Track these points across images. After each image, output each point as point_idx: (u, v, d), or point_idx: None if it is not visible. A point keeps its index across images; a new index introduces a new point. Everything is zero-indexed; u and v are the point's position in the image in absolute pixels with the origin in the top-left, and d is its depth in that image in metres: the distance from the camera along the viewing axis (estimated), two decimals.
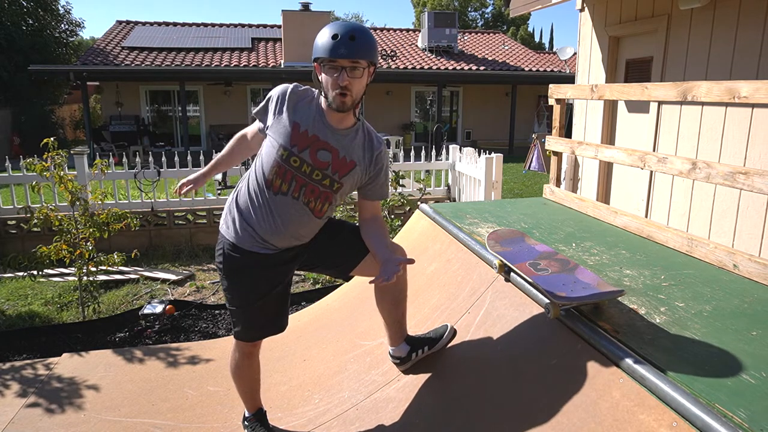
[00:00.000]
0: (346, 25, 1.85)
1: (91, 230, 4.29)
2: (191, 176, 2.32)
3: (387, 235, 2.16)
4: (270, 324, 2.19)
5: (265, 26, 19.97)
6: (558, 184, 4.10)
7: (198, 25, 19.52)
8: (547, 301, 1.99)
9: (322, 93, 1.95)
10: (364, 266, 2.21)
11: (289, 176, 1.96)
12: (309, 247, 2.15)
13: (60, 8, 20.29)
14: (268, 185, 1.98)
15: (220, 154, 2.32)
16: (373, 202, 2.16)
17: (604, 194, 5.19)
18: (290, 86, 2.01)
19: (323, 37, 1.85)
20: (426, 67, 16.72)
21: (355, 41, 1.82)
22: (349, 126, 2.01)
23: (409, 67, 16.61)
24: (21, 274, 5.24)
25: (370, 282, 1.97)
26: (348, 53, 1.81)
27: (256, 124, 2.11)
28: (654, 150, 4.32)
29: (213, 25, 19.66)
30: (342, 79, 1.84)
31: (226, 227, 2.08)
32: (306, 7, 16.39)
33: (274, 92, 2.01)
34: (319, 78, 1.93)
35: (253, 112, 2.07)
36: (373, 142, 2.07)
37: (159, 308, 4.19)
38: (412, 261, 2.01)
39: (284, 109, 1.97)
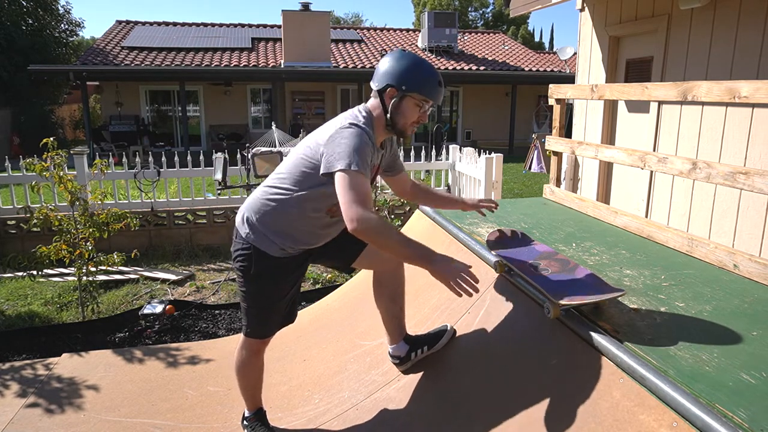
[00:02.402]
0: (436, 70, 2.01)
1: (90, 230, 4.28)
2: (451, 261, 1.77)
3: (438, 191, 2.41)
4: (283, 320, 2.25)
5: (265, 26, 19.98)
6: (558, 184, 4.10)
7: (198, 25, 19.53)
8: (547, 301, 1.99)
9: (390, 117, 1.98)
10: (365, 257, 2.28)
11: None
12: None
13: (60, 8, 20.28)
14: (331, 213, 2.06)
15: (399, 237, 1.82)
16: (402, 174, 2.37)
17: (604, 194, 5.19)
18: (365, 133, 1.90)
19: (429, 79, 1.97)
20: None
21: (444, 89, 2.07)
22: (384, 139, 2.14)
23: None
24: (21, 274, 5.23)
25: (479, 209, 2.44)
26: (440, 99, 2.03)
27: (366, 181, 1.85)
28: (654, 150, 4.32)
29: (213, 25, 19.66)
30: (425, 117, 2.03)
31: (259, 239, 2.04)
32: (306, 7, 16.38)
33: (365, 147, 1.86)
34: (393, 102, 1.97)
35: (358, 170, 1.80)
36: (391, 138, 2.22)
37: (159, 308, 4.18)
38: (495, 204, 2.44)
39: (371, 155, 1.95)
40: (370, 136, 1.91)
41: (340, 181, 1.79)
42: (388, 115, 1.98)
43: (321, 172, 1.89)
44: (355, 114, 1.99)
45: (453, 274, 1.72)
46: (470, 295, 1.72)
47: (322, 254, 2.30)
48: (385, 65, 1.99)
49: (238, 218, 2.13)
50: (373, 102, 2.02)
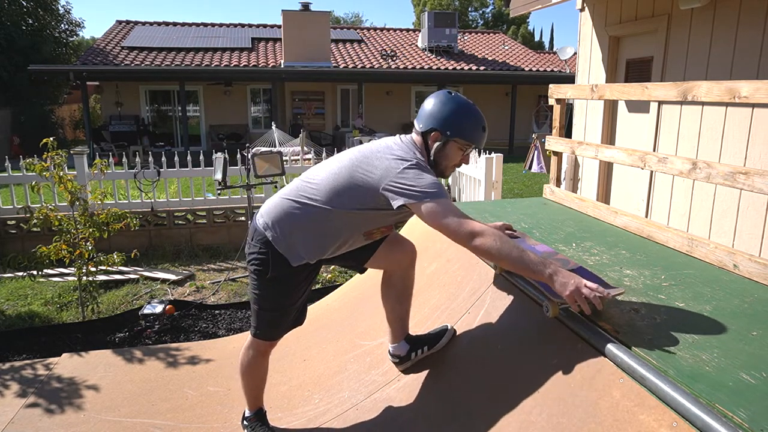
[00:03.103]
0: (481, 115, 2.05)
1: (90, 230, 4.28)
2: (575, 278, 1.76)
3: None
4: (292, 322, 2.26)
5: (265, 26, 19.98)
6: (558, 184, 4.10)
7: (198, 25, 19.53)
8: (546, 300, 1.98)
9: (435, 160, 2.02)
10: (377, 257, 2.30)
11: (386, 231, 2.18)
12: None
13: (60, 8, 20.28)
14: (366, 235, 2.10)
15: (519, 253, 1.78)
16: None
17: (604, 194, 5.19)
18: (424, 165, 1.95)
19: (474, 126, 2.02)
20: (426, 67, 16.72)
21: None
22: None
23: (409, 67, 16.61)
24: (21, 274, 5.23)
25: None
26: (483, 143, 2.08)
27: (450, 201, 1.93)
28: (654, 150, 4.32)
29: (213, 25, 19.66)
30: (468, 159, 2.08)
31: (286, 248, 2.01)
32: (306, 7, 16.39)
33: (433, 176, 1.94)
34: (437, 144, 2.00)
35: (441, 197, 1.86)
36: None
37: (159, 308, 4.18)
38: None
39: None
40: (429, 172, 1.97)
41: (433, 209, 1.83)
42: (432, 157, 2.02)
43: (398, 202, 1.87)
44: (408, 149, 1.99)
45: (576, 290, 1.73)
46: (588, 312, 1.75)
47: (337, 256, 2.29)
48: (430, 106, 2.02)
49: (260, 221, 2.05)
50: (416, 138, 2.06)
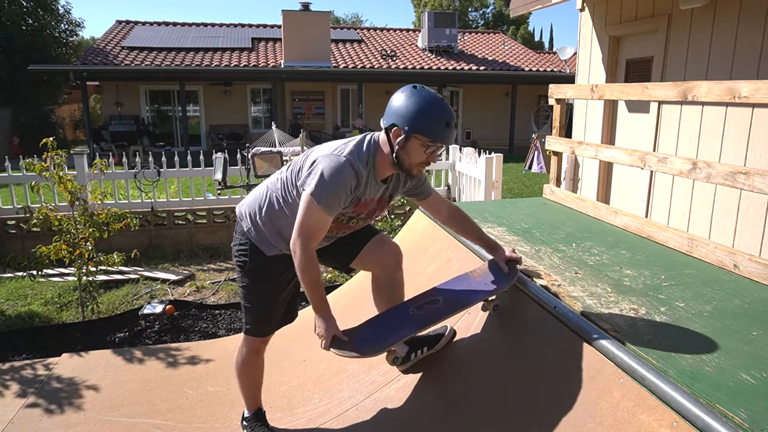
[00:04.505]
0: (447, 110, 1.91)
1: (90, 230, 4.28)
2: (328, 329, 1.96)
3: (477, 230, 2.33)
4: (282, 318, 2.26)
5: (265, 26, 19.97)
6: (558, 184, 4.10)
7: (198, 25, 19.52)
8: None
9: (396, 156, 1.93)
10: (362, 258, 2.30)
11: (344, 228, 2.13)
12: None
13: (60, 8, 20.26)
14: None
15: (312, 283, 1.94)
16: (432, 197, 2.29)
17: (604, 194, 5.19)
18: (353, 169, 1.91)
19: (435, 121, 1.87)
20: (426, 67, 16.71)
21: (454, 130, 1.99)
22: (393, 173, 2.07)
23: (409, 67, 16.60)
24: (21, 274, 5.23)
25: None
26: (450, 141, 1.95)
27: (329, 220, 1.93)
28: (654, 150, 4.32)
29: (213, 25, 19.65)
30: (434, 157, 1.96)
31: (258, 237, 2.08)
32: (306, 7, 16.38)
33: (343, 184, 1.89)
34: (399, 143, 1.90)
35: (322, 205, 1.86)
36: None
37: (159, 308, 4.18)
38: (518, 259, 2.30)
39: (353, 193, 1.95)
40: (357, 171, 1.91)
41: (305, 204, 1.89)
42: (394, 155, 1.93)
43: (298, 183, 1.97)
44: (356, 144, 1.97)
45: (321, 331, 1.96)
46: (324, 348, 1.96)
47: (320, 255, 2.31)
48: (393, 101, 1.93)
49: (238, 212, 2.18)
50: (382, 137, 1.98)
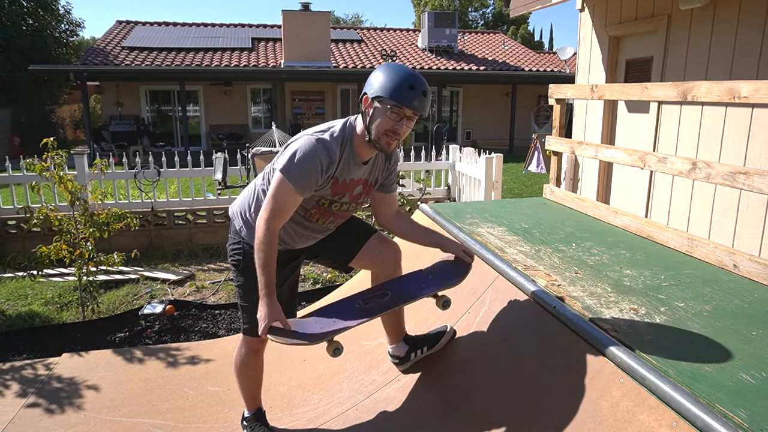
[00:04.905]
0: (418, 78, 1.86)
1: (91, 230, 4.28)
2: (269, 314, 1.90)
3: (423, 226, 2.31)
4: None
5: (265, 26, 19.97)
6: (558, 184, 4.10)
7: (198, 25, 19.52)
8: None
9: (365, 127, 1.91)
10: (361, 257, 2.28)
11: (328, 214, 2.09)
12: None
13: (60, 8, 20.26)
14: (306, 218, 2.08)
15: (265, 264, 1.90)
16: (391, 195, 2.25)
17: (604, 194, 5.19)
18: (326, 148, 1.90)
19: (395, 82, 1.83)
20: (426, 67, 16.71)
21: (426, 97, 1.87)
22: (374, 153, 2.04)
23: (409, 67, 16.57)
24: (21, 274, 5.23)
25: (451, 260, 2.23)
26: (419, 107, 1.86)
27: (297, 199, 1.92)
28: (654, 150, 4.32)
29: (213, 25, 19.65)
30: (402, 126, 1.87)
31: (249, 234, 2.08)
32: (306, 7, 16.38)
33: (314, 162, 1.88)
34: (368, 111, 1.89)
35: (291, 181, 1.87)
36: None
37: (159, 308, 4.19)
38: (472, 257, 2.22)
39: (326, 172, 1.93)
40: (329, 149, 1.91)
41: (275, 182, 1.90)
42: (366, 128, 1.91)
43: (273, 166, 1.98)
44: (332, 125, 1.99)
45: (262, 315, 1.90)
46: (260, 334, 1.92)
47: (318, 254, 2.32)
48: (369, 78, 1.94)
49: (230, 212, 2.20)
50: (359, 116, 1.97)
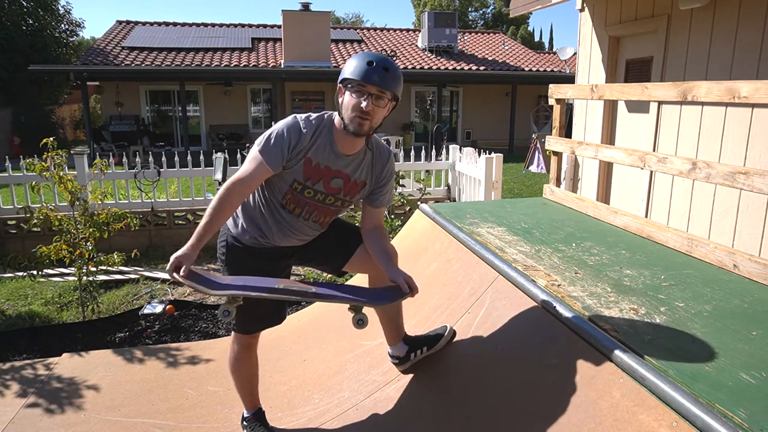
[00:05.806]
0: (379, 56, 1.89)
1: (91, 230, 4.28)
2: (180, 255, 1.88)
3: (389, 247, 2.15)
4: (267, 316, 2.23)
5: (265, 26, 19.97)
6: (558, 184, 4.10)
7: (198, 25, 19.51)
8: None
9: (339, 115, 1.94)
10: (355, 261, 2.26)
11: (303, 203, 2.06)
12: (307, 242, 2.21)
13: (60, 8, 20.27)
14: (282, 206, 2.06)
15: (209, 220, 1.91)
16: (377, 210, 2.19)
17: (604, 194, 5.19)
18: (299, 122, 1.96)
19: (356, 61, 1.88)
20: (426, 67, 16.71)
21: (388, 72, 1.87)
22: (358, 149, 2.03)
23: (409, 67, 16.60)
24: (21, 274, 5.23)
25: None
26: (379, 82, 1.85)
27: (264, 170, 1.93)
28: (654, 150, 4.32)
29: (213, 25, 19.65)
30: (367, 104, 1.86)
31: (234, 224, 2.13)
32: (306, 7, 16.38)
33: (283, 133, 1.93)
34: (340, 99, 1.93)
35: (260, 151, 1.92)
36: (382, 155, 2.13)
37: (159, 308, 4.19)
38: (414, 290, 1.99)
39: (295, 147, 1.94)
40: (302, 127, 1.94)
41: (250, 154, 1.97)
42: (340, 114, 1.95)
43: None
44: (314, 115, 2.03)
45: (177, 254, 1.88)
46: (167, 270, 1.91)
47: (310, 258, 2.30)
48: None
49: None
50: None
